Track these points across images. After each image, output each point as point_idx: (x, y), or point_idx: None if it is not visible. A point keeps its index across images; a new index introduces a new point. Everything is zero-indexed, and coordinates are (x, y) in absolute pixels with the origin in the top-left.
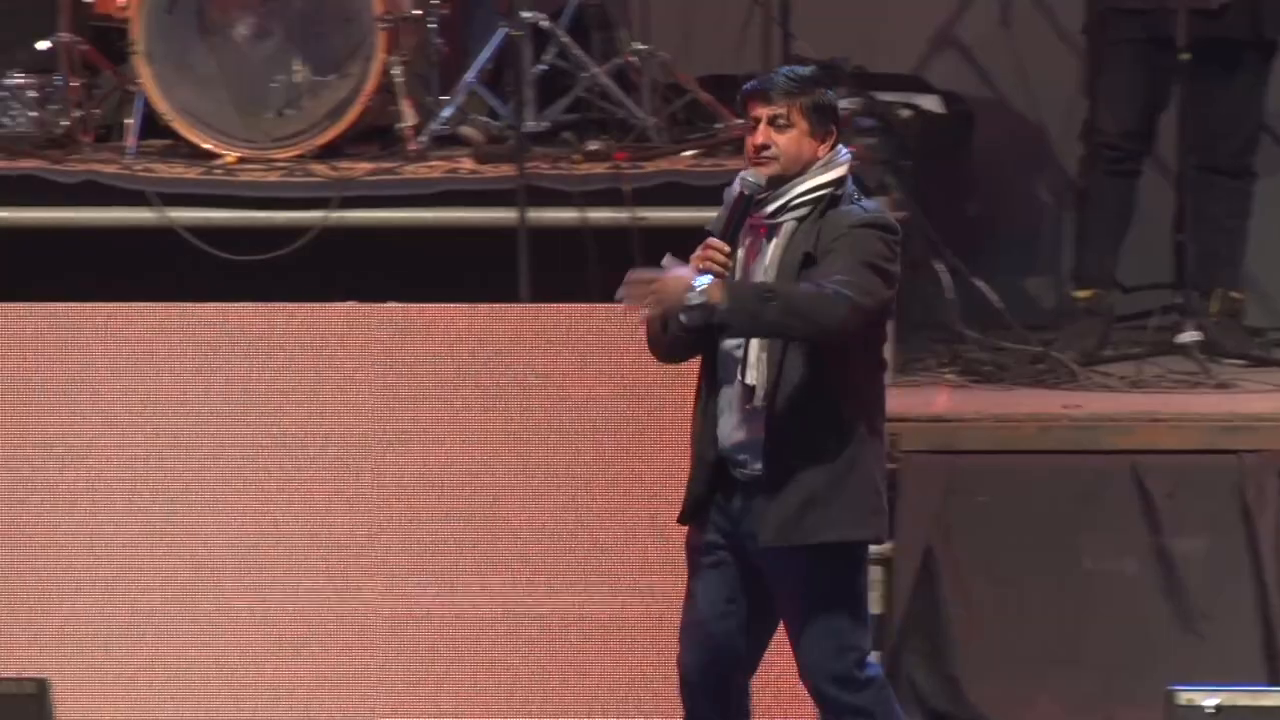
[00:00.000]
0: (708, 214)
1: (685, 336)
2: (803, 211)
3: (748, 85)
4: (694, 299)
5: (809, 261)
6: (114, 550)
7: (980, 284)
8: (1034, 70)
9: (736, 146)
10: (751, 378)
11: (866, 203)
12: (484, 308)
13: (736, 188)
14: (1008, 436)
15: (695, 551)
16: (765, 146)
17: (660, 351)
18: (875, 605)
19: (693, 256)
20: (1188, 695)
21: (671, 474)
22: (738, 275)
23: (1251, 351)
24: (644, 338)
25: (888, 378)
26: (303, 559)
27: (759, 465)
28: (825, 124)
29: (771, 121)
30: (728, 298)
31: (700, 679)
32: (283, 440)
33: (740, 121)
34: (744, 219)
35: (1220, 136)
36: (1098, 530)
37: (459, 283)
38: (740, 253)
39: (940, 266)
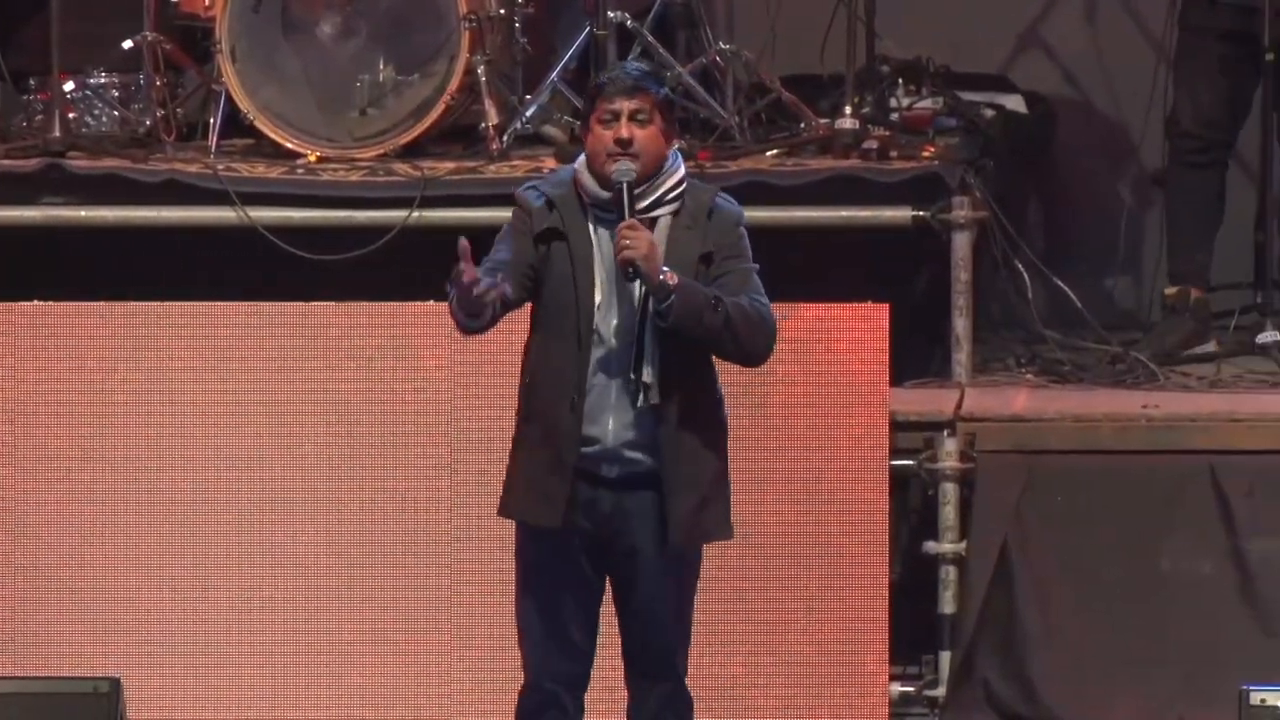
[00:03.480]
0: (790, 214)
1: (513, 305)
2: (674, 206)
3: (604, 78)
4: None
5: (707, 260)
6: (187, 548)
7: (1060, 283)
8: (1117, 70)
9: (820, 146)
10: (648, 375)
11: (724, 195)
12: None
13: (616, 181)
14: (1085, 436)
15: (553, 553)
16: (629, 141)
17: (472, 314)
18: (948, 605)
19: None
20: (1261, 695)
21: None
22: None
23: None
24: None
25: (965, 377)
26: (381, 557)
27: (650, 463)
28: (673, 122)
29: (632, 116)
30: (681, 289)
31: (569, 691)
32: (364, 439)
33: (825, 121)
34: (633, 210)
35: None
36: (1175, 531)
37: None
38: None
39: (1020, 266)
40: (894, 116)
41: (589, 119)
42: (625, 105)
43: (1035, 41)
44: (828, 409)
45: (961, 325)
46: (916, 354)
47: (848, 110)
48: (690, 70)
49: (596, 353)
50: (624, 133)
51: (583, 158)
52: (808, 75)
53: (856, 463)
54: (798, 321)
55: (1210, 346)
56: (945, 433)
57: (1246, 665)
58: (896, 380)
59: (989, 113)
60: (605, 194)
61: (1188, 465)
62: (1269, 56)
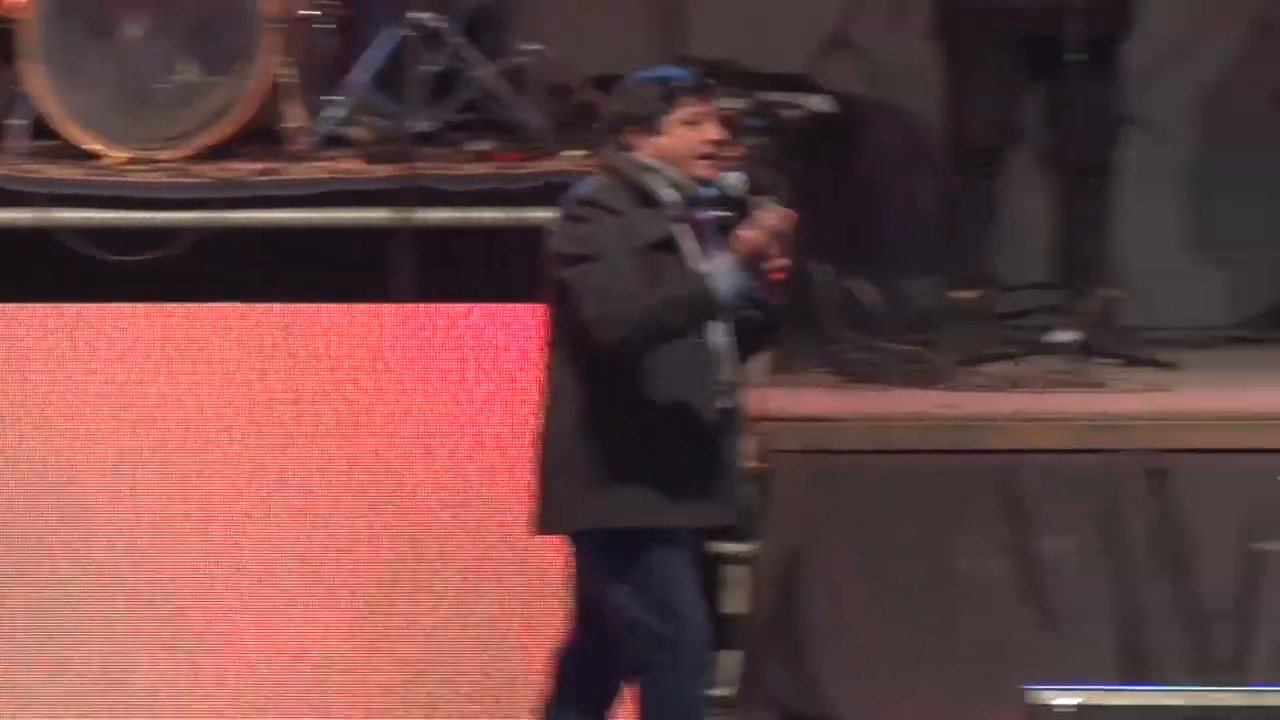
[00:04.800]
0: None
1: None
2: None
3: (688, 76)
4: None
5: None
6: None
7: (856, 284)
8: (922, 71)
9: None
10: (731, 375)
11: None
12: (367, 308)
13: (728, 192)
14: (880, 436)
15: (691, 553)
16: (723, 143)
17: (650, 345)
18: (735, 605)
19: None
20: (1046, 695)
21: None
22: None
23: (1125, 350)
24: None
25: (761, 377)
26: (187, 561)
27: (736, 460)
28: None
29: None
30: None
31: None
32: (163, 441)
33: None
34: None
35: (1086, 135)
36: (968, 530)
37: (344, 283)
38: (692, 249)
39: (819, 267)
40: None
41: (664, 118)
42: (713, 108)
43: (841, 43)
44: None
45: None
46: None
47: None
48: (496, 71)
49: (691, 360)
50: (718, 134)
51: (636, 158)
52: (613, 76)
53: None
54: None
55: (1004, 347)
56: None
57: (1034, 664)
58: None
59: (794, 113)
60: (709, 191)
61: (981, 464)
62: (1071, 57)
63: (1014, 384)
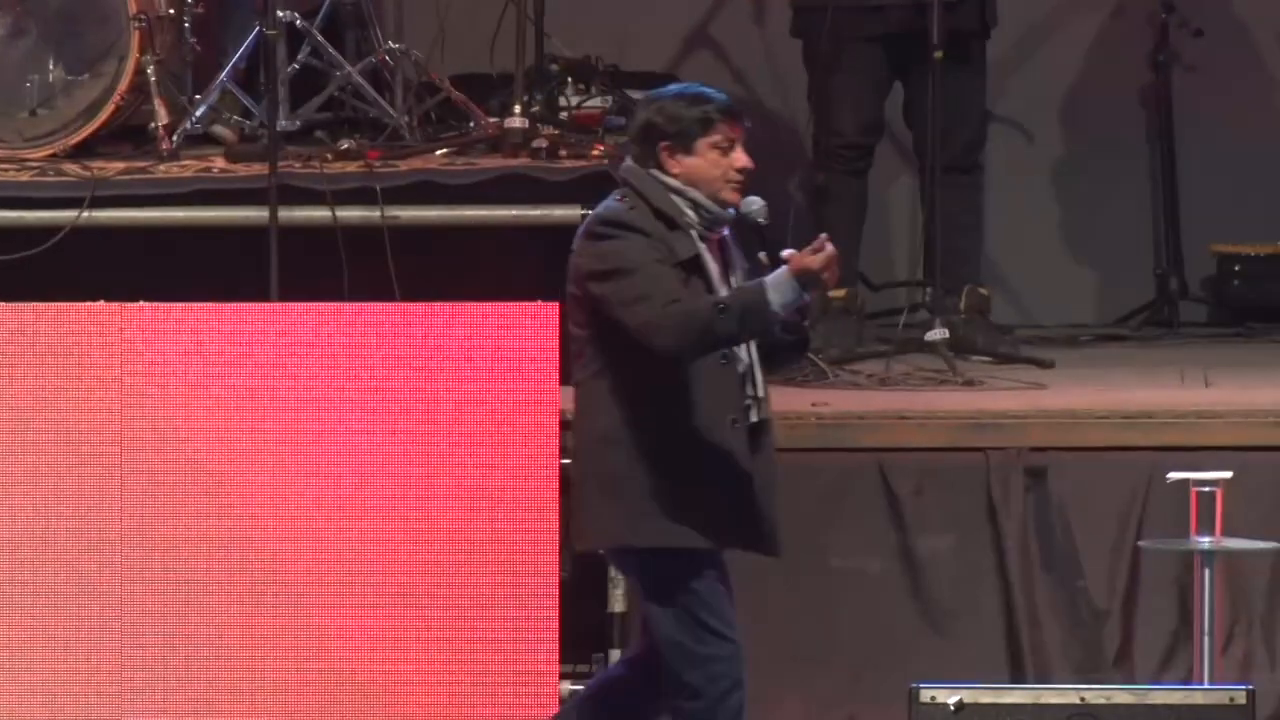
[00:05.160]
0: (459, 213)
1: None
2: None
3: (723, 103)
4: None
5: None
6: None
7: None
8: (786, 71)
9: (490, 145)
10: (762, 390)
11: None
12: (235, 307)
13: (751, 218)
14: None
15: (722, 568)
16: (751, 171)
17: (705, 349)
18: (618, 604)
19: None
20: (930, 693)
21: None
22: (720, 290)
23: (999, 348)
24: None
25: None
26: (53, 559)
27: (771, 474)
28: None
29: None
30: None
31: None
32: (36, 441)
33: (494, 120)
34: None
35: (951, 132)
36: (845, 528)
37: (211, 282)
38: (714, 268)
39: None
40: (563, 115)
41: (696, 140)
42: (740, 134)
43: (704, 42)
44: (498, 409)
45: None
46: None
47: (517, 109)
48: (359, 69)
49: (726, 374)
50: (749, 163)
51: (659, 177)
52: (477, 74)
53: (527, 462)
54: (467, 321)
55: (876, 345)
56: None
57: (915, 662)
58: (567, 379)
59: None
60: (728, 214)
61: (857, 463)
62: (939, 55)
63: (885, 382)
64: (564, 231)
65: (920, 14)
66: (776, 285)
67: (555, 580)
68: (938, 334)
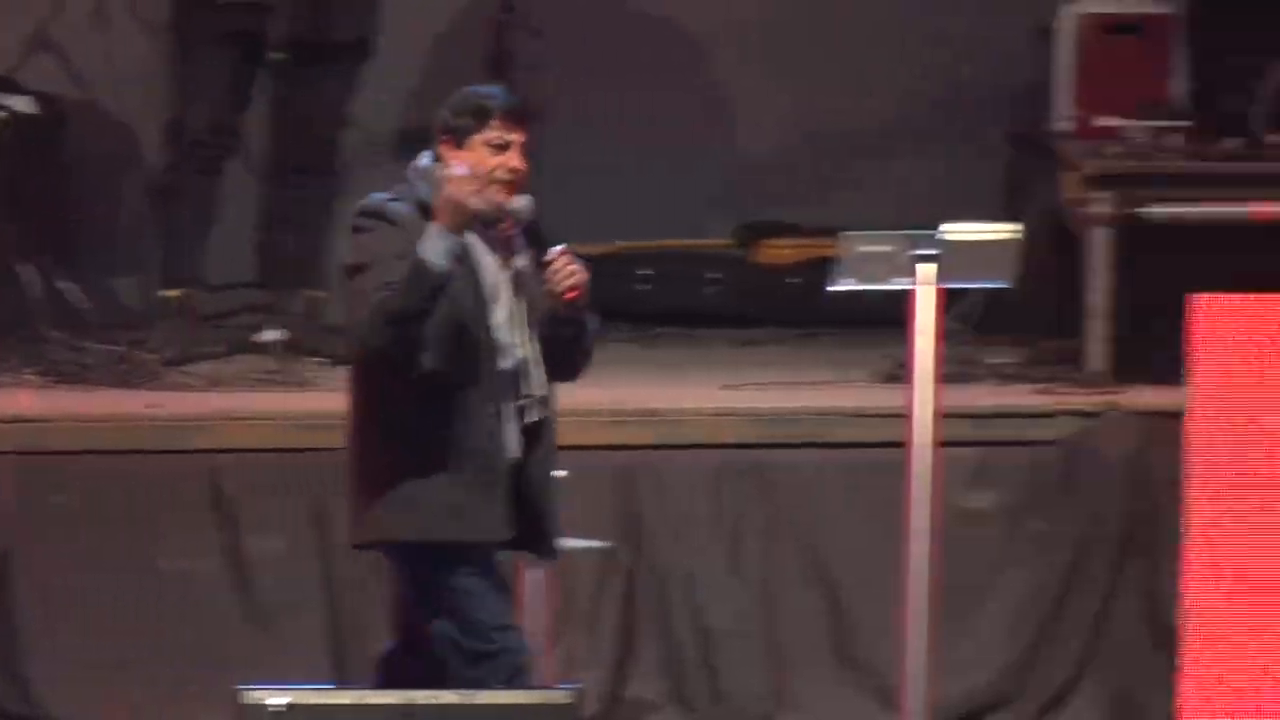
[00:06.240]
0: None
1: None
2: None
3: (505, 101)
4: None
5: None
6: None
7: (63, 284)
8: (126, 70)
9: None
10: (540, 389)
11: None
12: None
13: (517, 216)
14: (88, 436)
15: (489, 564)
16: (522, 173)
17: (401, 332)
18: None
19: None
20: (255, 694)
21: None
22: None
23: (333, 350)
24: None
25: None
26: None
27: (549, 474)
28: None
29: (520, 147)
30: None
31: None
32: None
33: None
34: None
35: (305, 136)
36: (176, 530)
37: None
38: (489, 259)
39: (26, 268)
40: None
41: (470, 136)
42: (519, 136)
43: (45, 43)
44: None
45: None
46: None
47: None
48: None
49: (484, 372)
50: (521, 165)
51: (422, 167)
52: None
53: None
54: None
55: (212, 346)
56: None
57: (245, 664)
58: None
59: None
60: (503, 210)
61: (189, 465)
62: (278, 57)
63: (218, 383)
64: None
65: (262, 16)
66: (425, 238)
67: None
68: (271, 335)
